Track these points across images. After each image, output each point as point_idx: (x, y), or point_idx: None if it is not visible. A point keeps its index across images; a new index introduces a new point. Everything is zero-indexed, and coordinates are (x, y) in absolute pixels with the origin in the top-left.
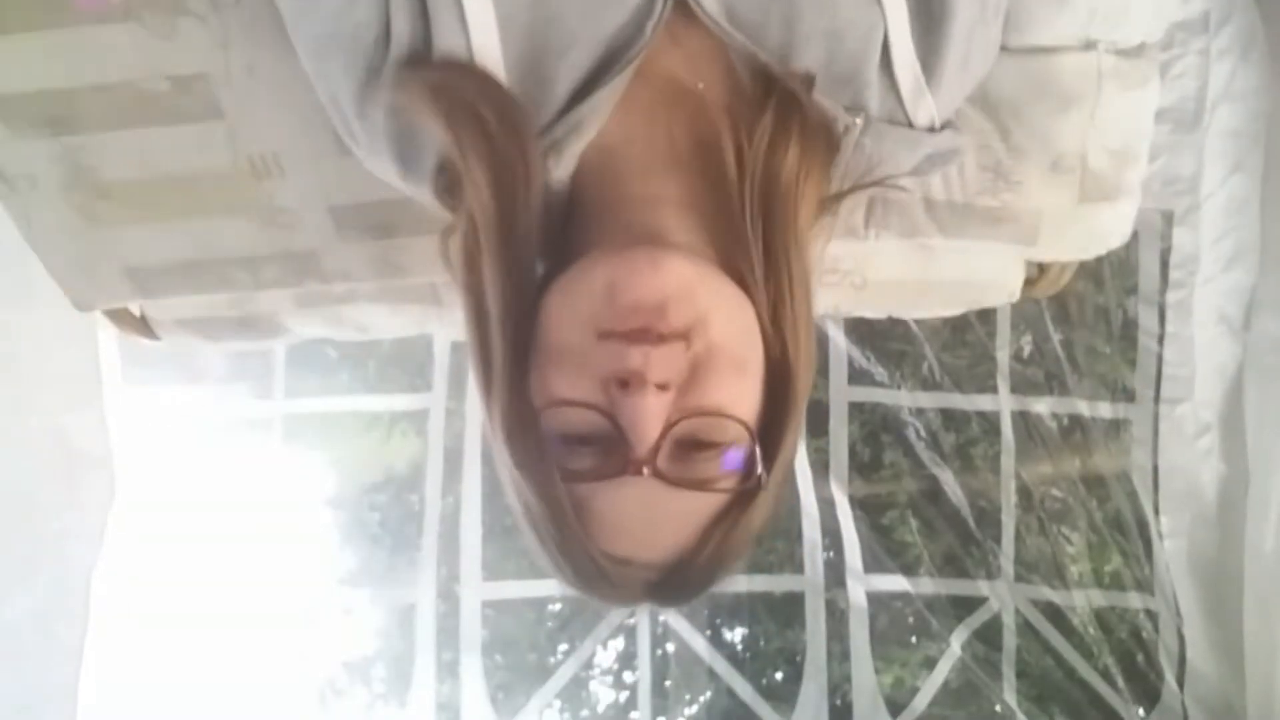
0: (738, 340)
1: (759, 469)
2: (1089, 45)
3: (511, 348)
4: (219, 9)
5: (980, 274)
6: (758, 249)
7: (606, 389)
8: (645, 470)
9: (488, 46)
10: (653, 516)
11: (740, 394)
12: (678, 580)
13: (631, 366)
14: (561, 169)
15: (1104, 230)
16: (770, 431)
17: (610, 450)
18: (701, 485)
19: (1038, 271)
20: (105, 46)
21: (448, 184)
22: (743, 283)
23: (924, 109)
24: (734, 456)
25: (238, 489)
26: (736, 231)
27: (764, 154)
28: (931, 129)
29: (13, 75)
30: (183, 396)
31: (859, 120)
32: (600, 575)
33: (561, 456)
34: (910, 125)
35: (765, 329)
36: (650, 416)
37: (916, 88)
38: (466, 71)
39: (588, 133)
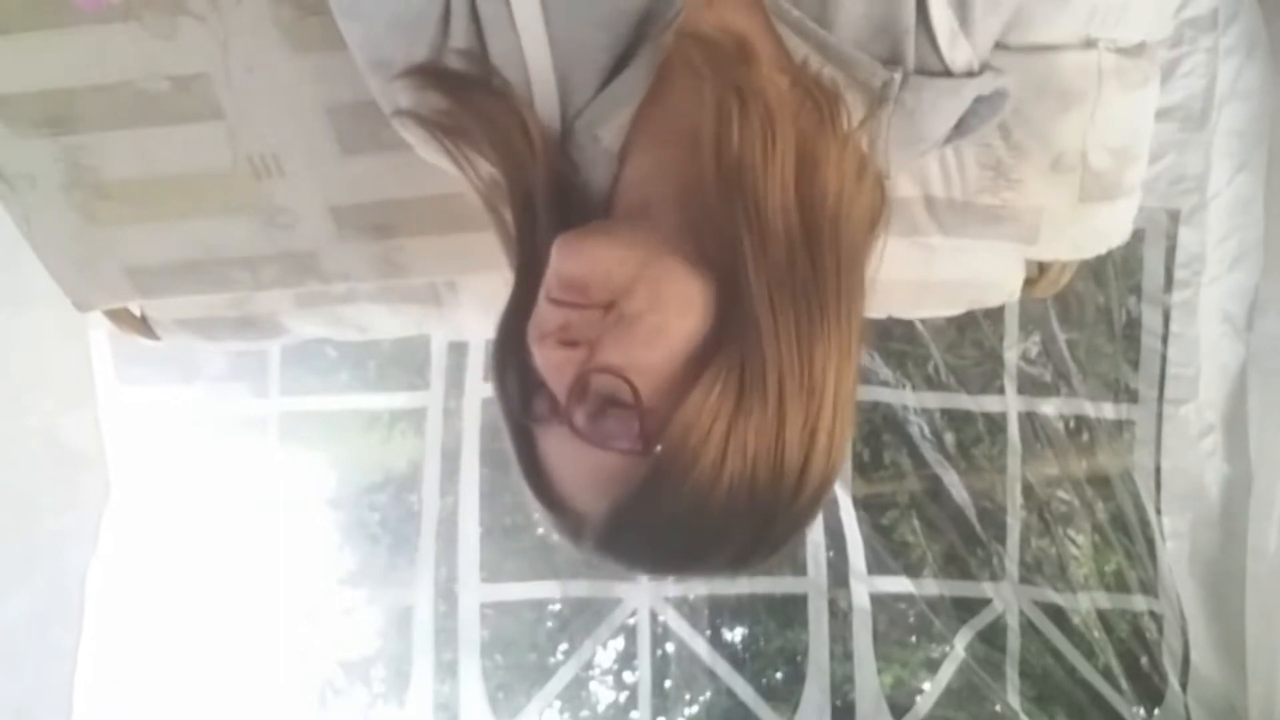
0: (662, 309)
1: (647, 435)
2: (1089, 44)
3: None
4: (219, 9)
5: (981, 273)
6: (733, 225)
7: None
8: (557, 419)
9: (530, 18)
10: (571, 465)
11: (650, 359)
12: (621, 539)
13: (547, 326)
14: (611, 139)
15: (1104, 229)
16: (674, 398)
17: (549, 397)
18: (595, 440)
19: (1038, 271)
20: (105, 46)
21: None
22: (715, 259)
23: (961, 52)
24: (626, 418)
25: (234, 488)
26: (712, 208)
27: (712, 129)
28: (971, 73)
29: (13, 75)
30: (178, 396)
31: (897, 75)
32: (547, 513)
33: (539, 398)
34: (949, 73)
35: (719, 304)
36: (552, 367)
37: (951, 30)
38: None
39: (631, 101)
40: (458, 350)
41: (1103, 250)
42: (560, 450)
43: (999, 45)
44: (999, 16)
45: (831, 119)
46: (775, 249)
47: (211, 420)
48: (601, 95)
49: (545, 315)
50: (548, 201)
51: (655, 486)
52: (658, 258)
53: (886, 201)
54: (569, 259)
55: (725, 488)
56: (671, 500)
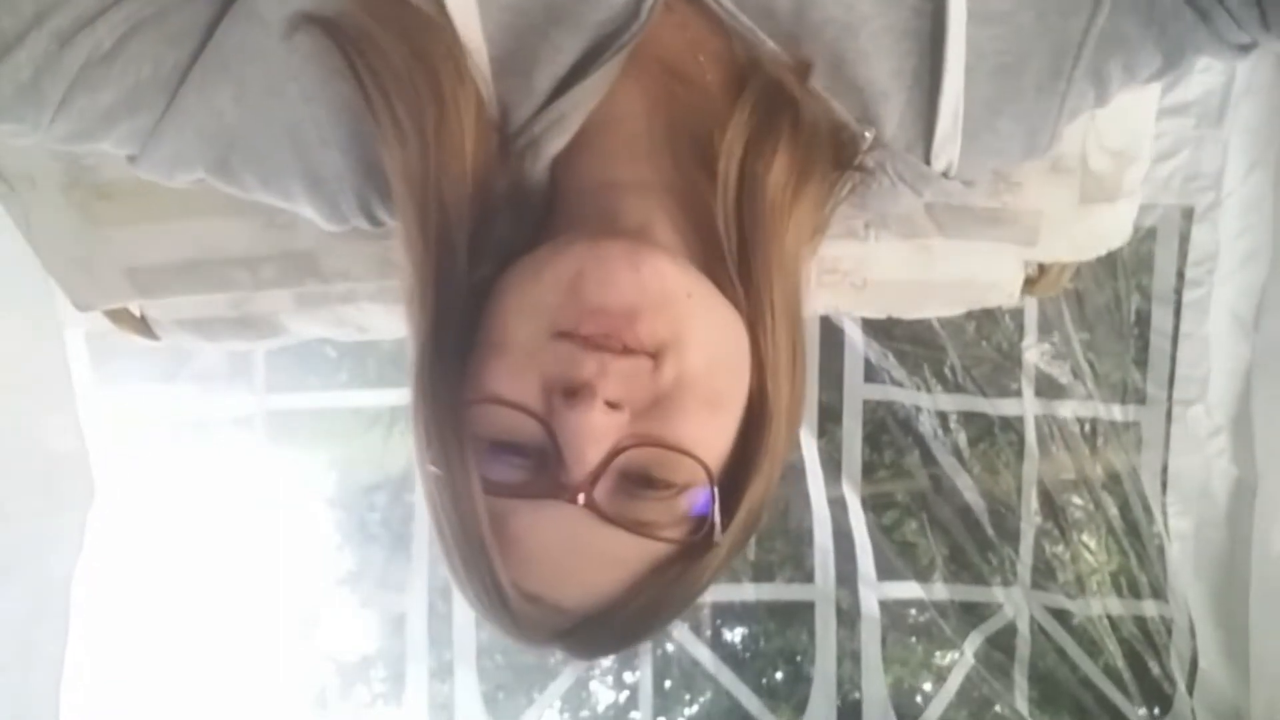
0: (718, 372)
1: (713, 522)
2: None
3: (437, 328)
4: None
5: (980, 275)
6: (734, 266)
7: (549, 395)
8: (579, 498)
9: (468, 28)
10: (576, 553)
11: (708, 433)
12: (595, 632)
13: (582, 375)
14: (539, 166)
15: (1104, 231)
16: (734, 481)
17: (542, 467)
18: (640, 528)
19: (1038, 271)
20: None
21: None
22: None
23: (946, 154)
24: (689, 502)
25: (223, 488)
26: (717, 242)
27: (741, 159)
28: (946, 174)
29: None
30: (163, 395)
31: (869, 134)
32: (502, 607)
33: (485, 463)
34: (927, 162)
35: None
36: (592, 436)
37: (952, 128)
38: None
39: (570, 127)
40: None
41: (1103, 252)
42: (560, 533)
43: None
44: (1006, 154)
45: (827, 162)
46: (791, 281)
47: (197, 419)
48: (543, 114)
49: (574, 361)
50: (479, 206)
51: (693, 574)
52: (715, 293)
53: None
54: (625, 275)
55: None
56: (693, 583)
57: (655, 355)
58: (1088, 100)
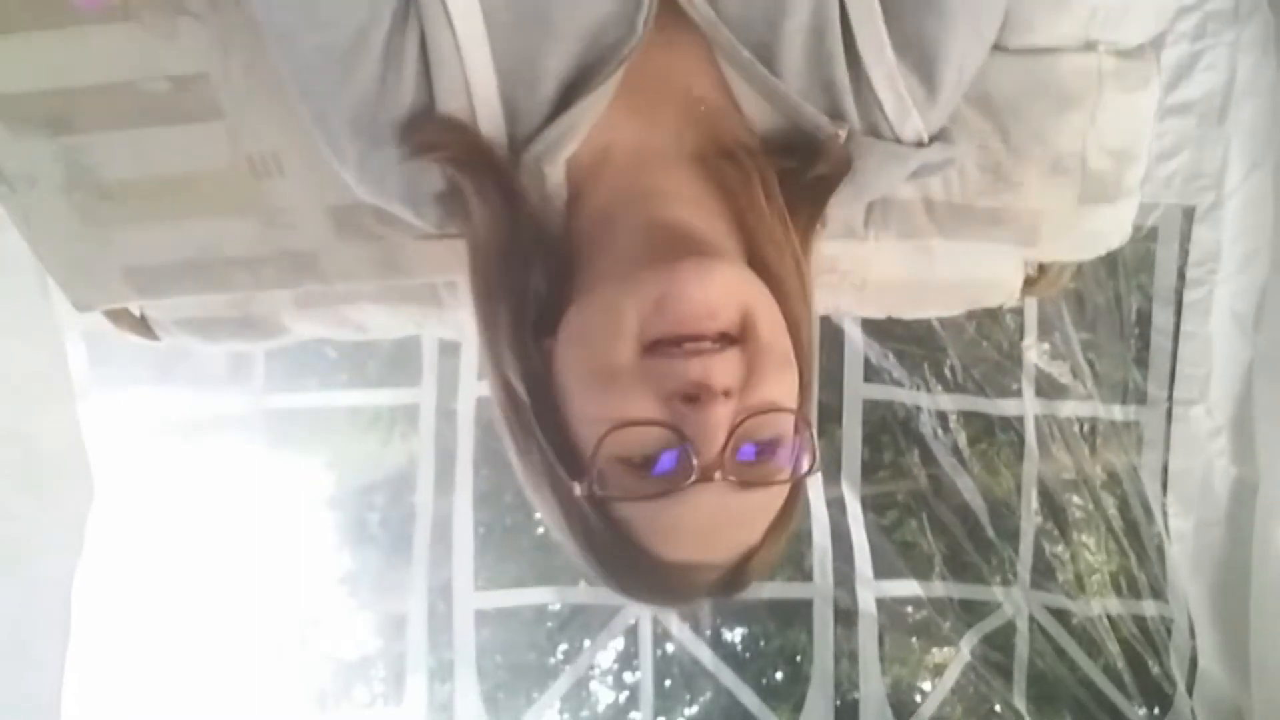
0: (780, 335)
1: (815, 452)
2: (1089, 46)
3: (534, 383)
4: (218, 8)
5: (980, 275)
6: (746, 250)
7: (669, 403)
8: (718, 476)
9: (474, 45)
10: (722, 520)
11: (787, 386)
12: (739, 577)
13: (694, 378)
14: (554, 174)
15: (1104, 231)
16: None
17: (677, 463)
18: (769, 482)
19: (1038, 271)
20: (105, 46)
21: (447, 212)
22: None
23: (911, 126)
24: (789, 450)
25: (224, 489)
26: (740, 227)
27: (742, 170)
28: (920, 144)
29: (13, 75)
30: (163, 396)
31: (843, 132)
32: (667, 586)
33: (625, 479)
34: (897, 140)
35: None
36: (721, 426)
37: (900, 105)
38: (448, 130)
39: (578, 135)
40: (448, 346)
41: (1102, 251)
42: (707, 509)
43: (998, 47)
44: (959, 92)
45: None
46: (795, 256)
47: (196, 419)
48: (551, 125)
49: (682, 371)
50: (528, 245)
51: (797, 504)
52: (755, 276)
53: None
54: (698, 289)
55: None
56: (795, 515)
57: (738, 340)
58: None
